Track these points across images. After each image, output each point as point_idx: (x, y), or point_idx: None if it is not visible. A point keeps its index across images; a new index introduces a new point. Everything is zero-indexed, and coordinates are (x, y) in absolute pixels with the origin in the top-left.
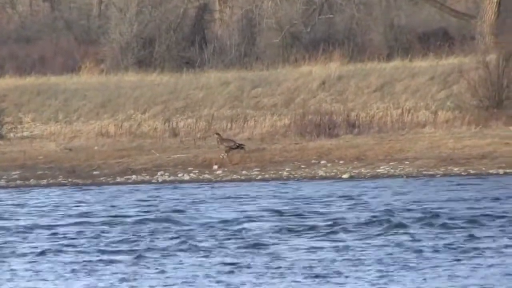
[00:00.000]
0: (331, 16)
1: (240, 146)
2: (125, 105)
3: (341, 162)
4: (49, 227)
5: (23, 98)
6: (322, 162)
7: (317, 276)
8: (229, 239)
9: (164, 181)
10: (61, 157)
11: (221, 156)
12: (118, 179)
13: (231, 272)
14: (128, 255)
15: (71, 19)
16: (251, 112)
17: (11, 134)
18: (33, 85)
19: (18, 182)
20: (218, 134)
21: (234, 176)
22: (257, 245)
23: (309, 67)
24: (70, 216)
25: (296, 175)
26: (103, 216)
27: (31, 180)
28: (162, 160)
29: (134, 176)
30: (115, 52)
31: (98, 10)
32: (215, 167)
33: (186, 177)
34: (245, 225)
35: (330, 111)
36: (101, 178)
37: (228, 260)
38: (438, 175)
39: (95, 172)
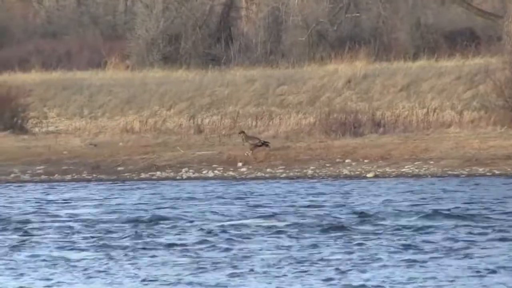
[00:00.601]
0: (358, 14)
1: (264, 144)
2: (150, 101)
3: (366, 161)
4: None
5: (49, 93)
6: (347, 161)
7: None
8: None
9: (188, 178)
10: (86, 152)
11: (246, 154)
12: (143, 175)
13: None
14: None
15: (98, 15)
16: (276, 110)
17: (36, 129)
18: (59, 80)
19: (43, 177)
20: (243, 132)
21: (259, 174)
22: None
23: (335, 65)
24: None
25: (320, 174)
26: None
27: (56, 175)
28: (187, 157)
29: (158, 173)
30: (141, 48)
31: (125, 6)
32: (240, 164)
33: (211, 174)
34: None
35: (356, 109)
36: (126, 174)
37: None
38: (463, 175)
39: (119, 168)
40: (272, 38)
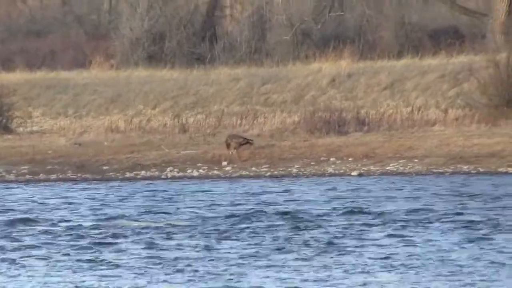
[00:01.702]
0: (342, 13)
1: (248, 142)
2: (135, 100)
3: (350, 159)
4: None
5: (33, 92)
6: (332, 159)
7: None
8: None
9: (173, 177)
10: (71, 152)
11: (230, 153)
12: (128, 175)
13: None
14: None
15: (82, 14)
16: (260, 108)
17: (21, 129)
18: (43, 79)
19: (28, 176)
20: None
21: (243, 173)
22: None
23: (319, 64)
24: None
25: (305, 172)
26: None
27: (41, 175)
28: (172, 156)
29: (143, 172)
30: (125, 47)
31: (109, 5)
32: (225, 163)
33: (195, 173)
34: None
35: (340, 108)
36: (111, 174)
37: None
38: (448, 173)
39: (104, 167)
40: (256, 37)
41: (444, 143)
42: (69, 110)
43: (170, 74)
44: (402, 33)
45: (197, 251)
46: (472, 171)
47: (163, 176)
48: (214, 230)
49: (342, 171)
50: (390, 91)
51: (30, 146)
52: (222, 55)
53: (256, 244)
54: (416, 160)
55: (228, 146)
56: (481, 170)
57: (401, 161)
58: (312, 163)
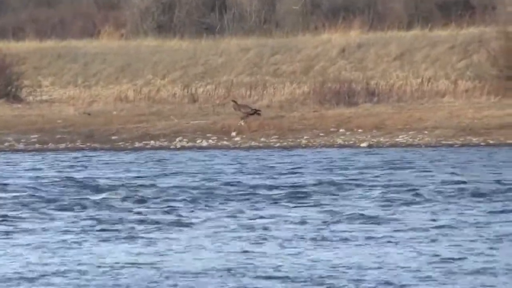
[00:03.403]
0: None
1: (256, 112)
2: (144, 70)
3: (359, 130)
4: None
5: (43, 61)
6: (341, 130)
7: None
8: None
9: (182, 147)
10: (80, 121)
11: (239, 124)
12: (137, 144)
13: None
14: None
15: None
16: (270, 79)
17: (30, 98)
18: (53, 48)
19: (37, 145)
20: (234, 101)
21: (253, 143)
22: None
23: (328, 34)
24: None
25: (314, 143)
26: None
27: (50, 144)
28: (181, 126)
29: (152, 142)
30: (135, 17)
31: None
32: (234, 133)
33: (205, 143)
34: None
35: (350, 79)
36: (120, 143)
37: None
38: (457, 145)
39: (113, 137)
40: (266, 7)
41: (454, 114)
42: (78, 80)
43: (180, 44)
44: (412, 4)
45: None
46: (482, 143)
47: (172, 146)
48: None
49: (351, 142)
50: (400, 62)
51: (40, 115)
52: (231, 25)
53: None
54: (425, 132)
55: (235, 109)
56: (490, 142)
57: (410, 132)
58: (321, 134)
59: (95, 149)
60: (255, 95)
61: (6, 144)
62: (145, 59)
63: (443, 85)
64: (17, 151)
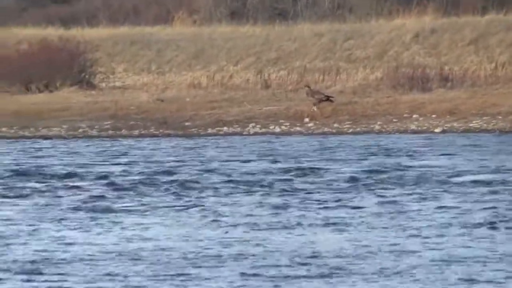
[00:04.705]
0: None
1: (329, 98)
2: (218, 56)
3: (433, 116)
4: None
5: (116, 48)
6: (414, 116)
7: None
8: None
9: (255, 133)
10: (153, 108)
11: (312, 110)
12: (210, 131)
13: None
14: None
15: None
16: (343, 64)
17: (103, 84)
18: (127, 35)
19: (110, 132)
20: (308, 86)
21: (325, 129)
22: None
23: (402, 20)
24: None
25: (388, 129)
26: None
27: (123, 131)
28: (254, 112)
29: (225, 128)
30: (208, 3)
31: None
32: (306, 119)
33: (277, 130)
34: None
35: (423, 64)
36: (193, 129)
37: None
38: None
39: (186, 123)
40: None
41: None
42: (152, 66)
43: (253, 30)
44: None
45: None
46: None
47: (245, 133)
48: None
49: (425, 127)
50: (474, 47)
51: (113, 101)
52: (304, 10)
53: None
54: (499, 117)
55: (307, 94)
56: None
57: (484, 118)
58: (395, 120)
59: (168, 135)
60: (328, 81)
61: (80, 130)
62: (218, 45)
63: None
64: (90, 137)
